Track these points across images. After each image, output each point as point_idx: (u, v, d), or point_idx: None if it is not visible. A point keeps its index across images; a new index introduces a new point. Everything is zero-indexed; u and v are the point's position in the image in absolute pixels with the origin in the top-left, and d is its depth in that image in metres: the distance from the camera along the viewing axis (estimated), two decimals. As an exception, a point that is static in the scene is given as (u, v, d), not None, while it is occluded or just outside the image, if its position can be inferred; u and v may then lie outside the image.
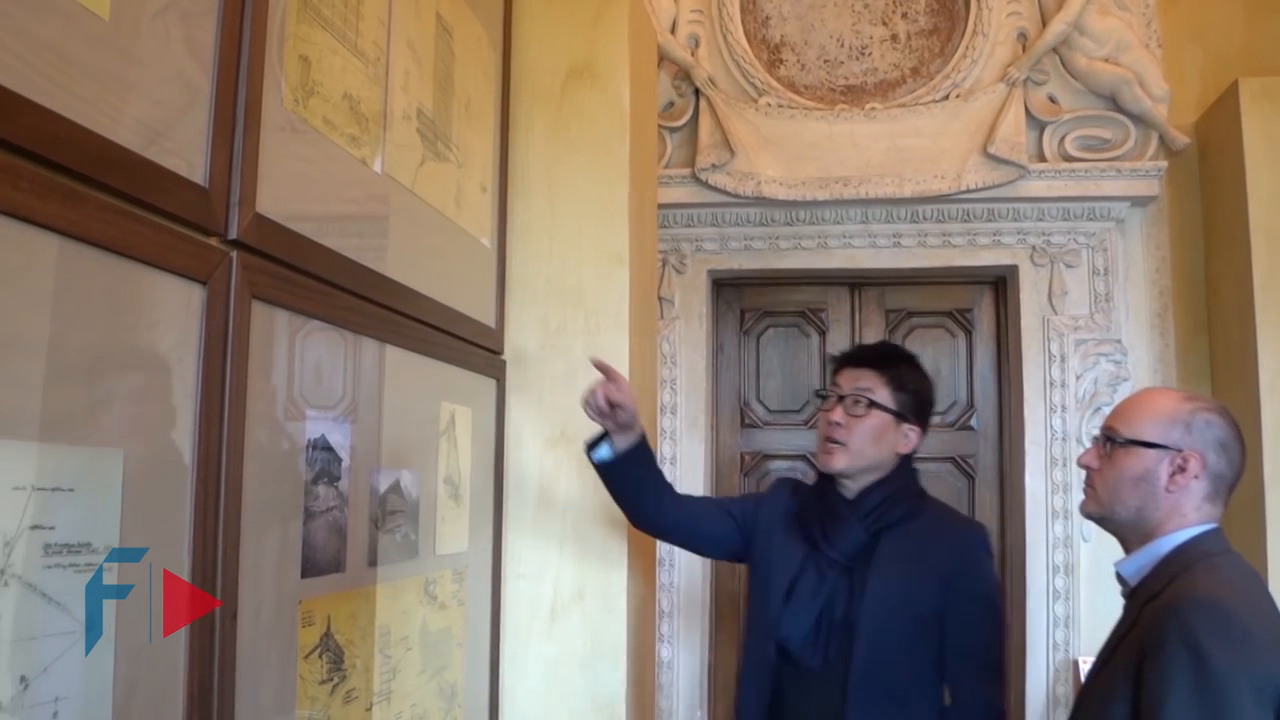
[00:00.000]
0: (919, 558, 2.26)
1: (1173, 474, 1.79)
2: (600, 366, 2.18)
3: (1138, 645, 1.66)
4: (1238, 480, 1.83)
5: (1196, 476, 1.79)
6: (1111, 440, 1.87)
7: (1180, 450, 1.79)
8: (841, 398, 2.33)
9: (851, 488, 2.34)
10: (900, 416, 2.35)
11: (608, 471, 2.31)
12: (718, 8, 4.26)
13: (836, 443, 2.31)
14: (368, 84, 1.87)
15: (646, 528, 2.46)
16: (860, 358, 2.40)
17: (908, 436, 2.38)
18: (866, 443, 2.32)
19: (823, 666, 2.23)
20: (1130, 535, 1.86)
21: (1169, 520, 1.80)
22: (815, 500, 2.40)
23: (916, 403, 2.38)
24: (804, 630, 2.26)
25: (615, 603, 2.54)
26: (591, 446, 2.31)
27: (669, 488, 2.41)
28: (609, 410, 2.18)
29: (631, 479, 2.32)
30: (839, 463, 2.31)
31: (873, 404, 2.32)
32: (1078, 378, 4.13)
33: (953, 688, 2.26)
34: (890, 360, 2.39)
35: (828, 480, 2.39)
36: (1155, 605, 1.69)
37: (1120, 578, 1.88)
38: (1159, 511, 1.81)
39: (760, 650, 2.34)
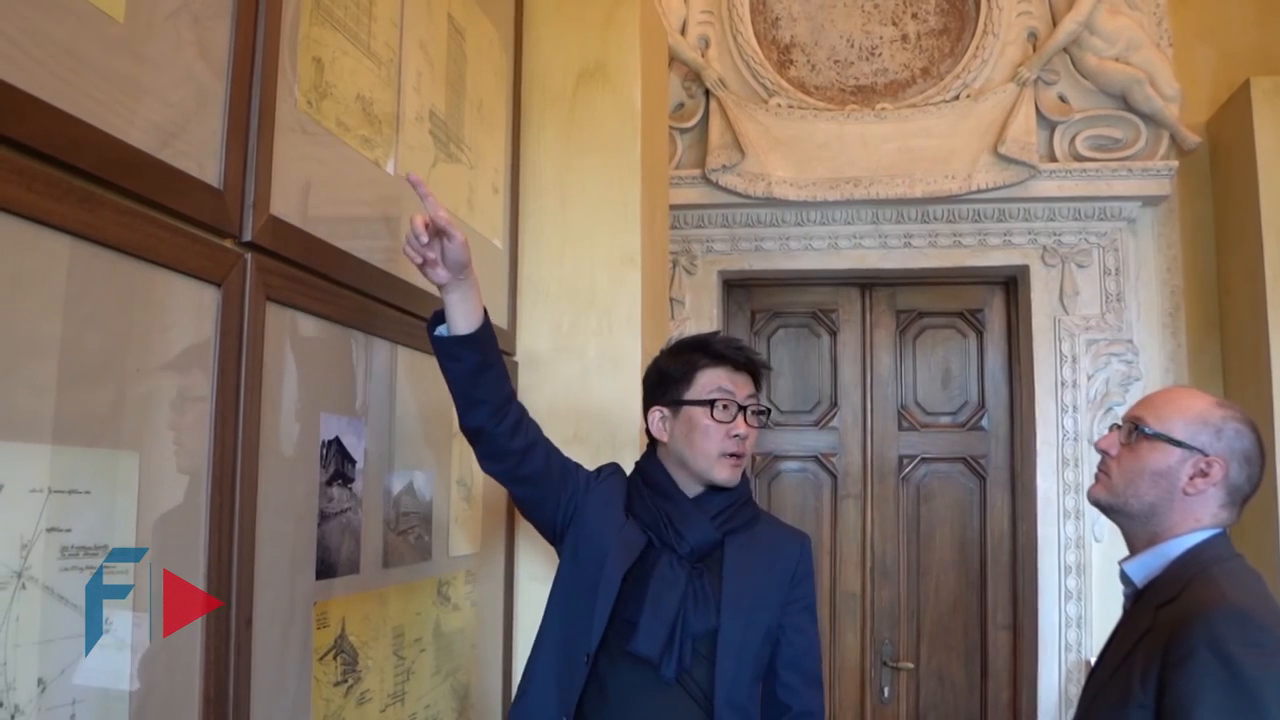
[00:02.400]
0: (764, 568, 2.13)
1: (1193, 476, 1.76)
2: (414, 182, 1.75)
3: (1158, 651, 1.63)
4: (1252, 495, 1.81)
5: (1216, 484, 1.76)
6: (1138, 429, 1.82)
7: (1206, 454, 1.77)
8: (742, 408, 2.12)
9: (694, 487, 2.14)
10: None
11: (449, 349, 1.87)
12: (728, 9, 4.25)
13: (739, 455, 2.12)
14: (380, 85, 1.87)
15: (484, 446, 2.00)
16: (753, 361, 2.18)
17: None
18: (751, 451, 2.20)
19: (675, 677, 1.98)
20: (1138, 531, 1.83)
21: (1181, 522, 1.77)
22: (651, 492, 2.14)
23: None
24: (662, 638, 1.98)
25: (627, 604, 2.53)
26: (433, 324, 1.91)
27: (514, 397, 2.05)
28: (429, 243, 1.77)
29: (470, 367, 1.90)
30: (739, 476, 2.14)
31: (764, 412, 2.18)
32: (1089, 378, 4.12)
33: (788, 701, 2.13)
34: (764, 363, 2.23)
35: (658, 473, 2.16)
36: (1174, 610, 1.67)
37: (1125, 577, 1.85)
38: (1172, 512, 1.78)
39: (578, 651, 2.01)
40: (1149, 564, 1.80)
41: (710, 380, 2.11)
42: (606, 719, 1.99)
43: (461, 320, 1.86)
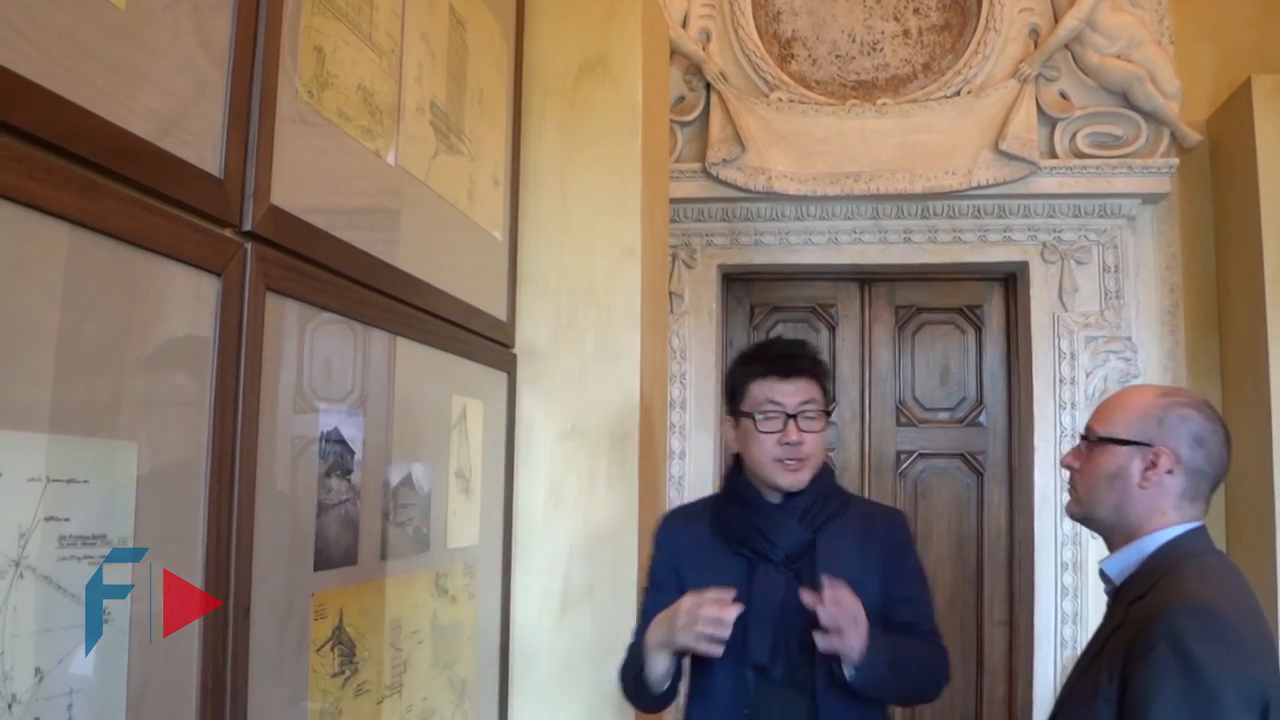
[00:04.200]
0: (857, 554, 2.20)
1: (1145, 470, 1.77)
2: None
3: (1124, 645, 1.64)
4: (1221, 477, 1.80)
5: (1170, 472, 1.76)
6: (1087, 439, 1.86)
7: (1151, 445, 1.77)
8: (791, 416, 2.18)
9: (775, 495, 2.22)
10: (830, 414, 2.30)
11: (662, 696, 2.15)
12: (729, 2, 4.25)
13: (800, 459, 2.18)
14: (381, 76, 1.87)
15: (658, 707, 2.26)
16: (798, 367, 2.23)
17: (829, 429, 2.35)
18: (820, 451, 2.23)
19: (784, 678, 2.11)
20: (1114, 535, 1.84)
21: (1150, 518, 1.78)
22: (740, 509, 2.23)
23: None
24: (768, 643, 2.11)
25: (625, 597, 2.54)
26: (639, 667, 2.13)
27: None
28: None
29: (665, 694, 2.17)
30: (806, 477, 2.20)
31: (824, 414, 2.23)
32: (1087, 374, 4.12)
33: None
34: (820, 364, 2.29)
35: (744, 487, 2.26)
36: (1142, 606, 1.68)
37: (1104, 575, 1.86)
38: (1136, 509, 1.79)
39: (728, 681, 2.15)
40: (1125, 560, 1.81)
41: (760, 391, 2.20)
42: None
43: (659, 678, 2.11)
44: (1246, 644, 1.57)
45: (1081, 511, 1.88)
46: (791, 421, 2.16)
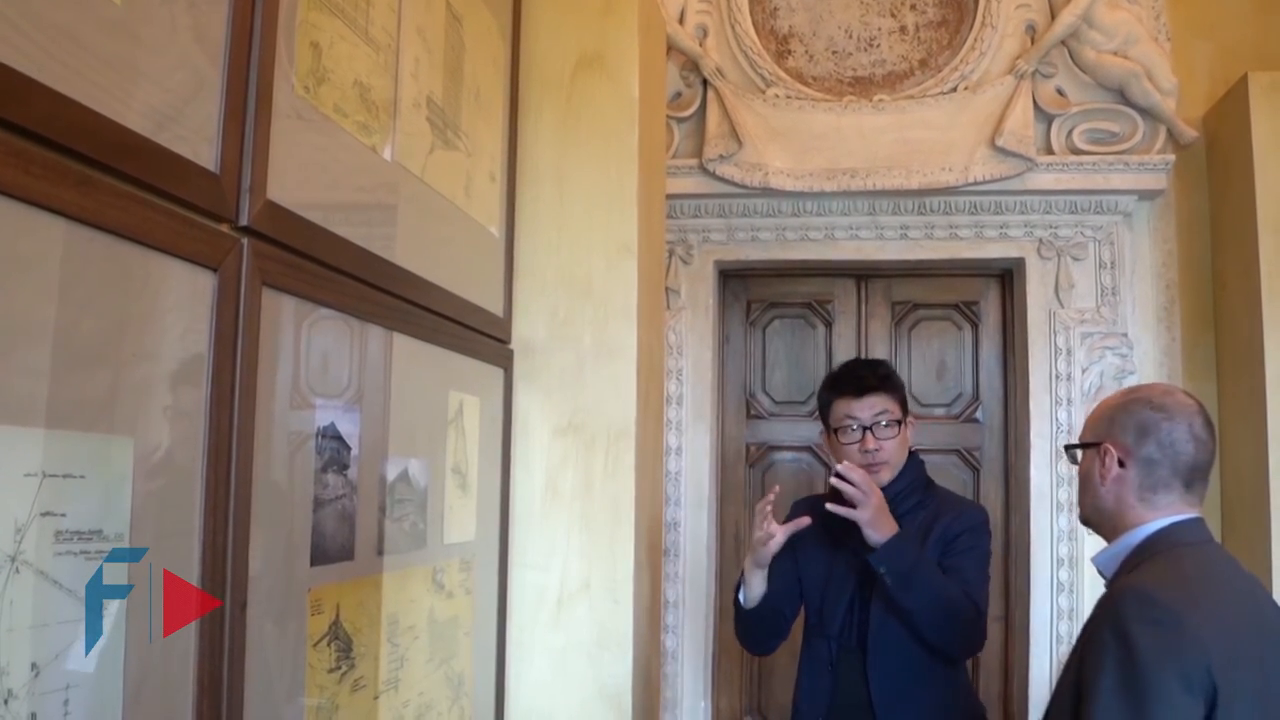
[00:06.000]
0: (924, 535, 2.49)
1: (1101, 468, 1.84)
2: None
3: (1085, 635, 1.72)
4: (1190, 464, 1.81)
5: (1123, 465, 1.81)
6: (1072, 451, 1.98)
7: (1100, 443, 1.84)
8: (867, 428, 2.55)
9: None
10: (905, 420, 2.64)
11: (757, 610, 2.61)
12: (726, -2, 4.25)
13: (878, 464, 2.54)
14: (378, 71, 1.86)
15: (759, 650, 2.80)
16: (868, 385, 2.59)
17: (910, 429, 2.66)
18: (899, 454, 2.59)
19: (856, 644, 2.50)
20: (1104, 532, 1.91)
21: (1122, 513, 1.83)
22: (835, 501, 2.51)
23: (906, 400, 2.69)
24: (841, 614, 2.52)
25: (622, 593, 2.54)
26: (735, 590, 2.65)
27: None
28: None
29: (764, 613, 2.62)
30: (885, 478, 2.54)
31: (897, 423, 2.58)
32: (1083, 371, 4.13)
33: None
34: (891, 378, 2.65)
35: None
36: (1104, 596, 1.75)
37: (1100, 570, 1.91)
38: (1107, 506, 1.85)
39: (816, 646, 2.60)
40: (1111, 554, 1.86)
41: (839, 409, 2.62)
42: (806, 684, 2.61)
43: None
44: (1188, 628, 1.58)
45: (1080, 516, 1.98)
46: (867, 432, 2.55)
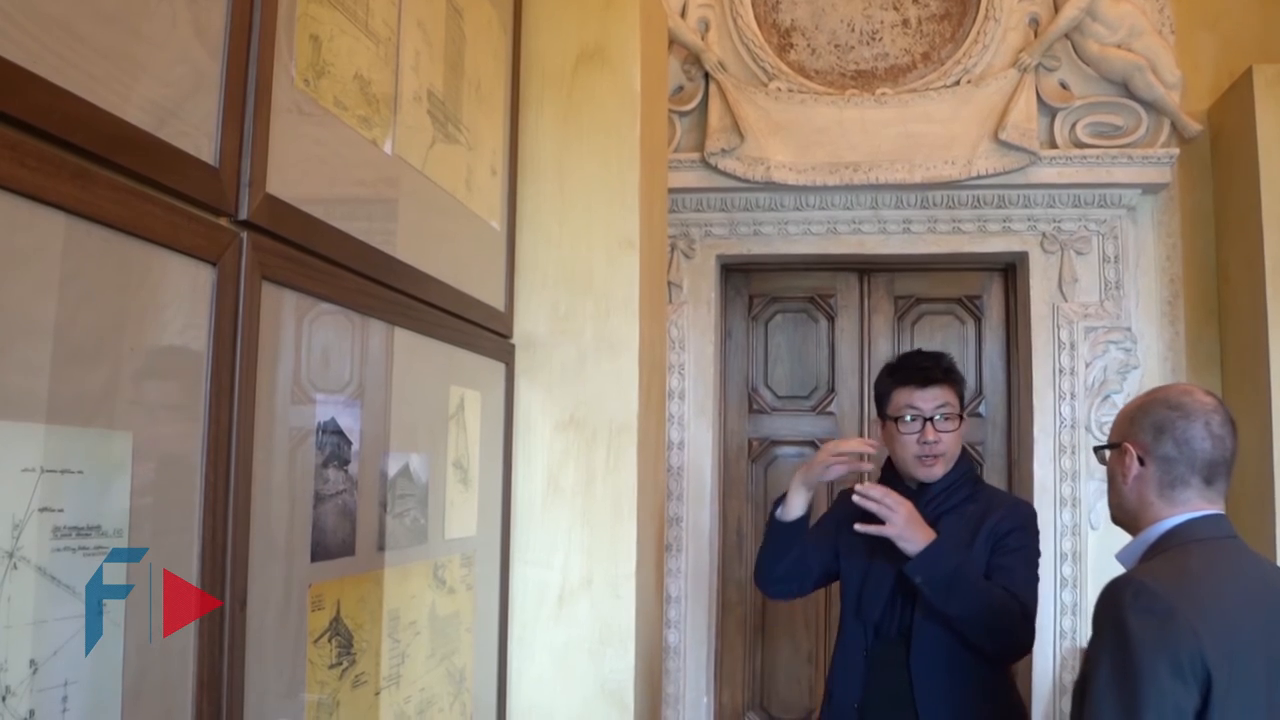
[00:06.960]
0: (969, 533, 2.50)
1: (1123, 468, 1.88)
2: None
3: (1093, 625, 1.78)
4: (1209, 461, 1.84)
5: (1142, 463, 1.85)
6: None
7: (1120, 444, 1.89)
8: (928, 419, 2.56)
9: (914, 484, 2.61)
10: (963, 414, 2.66)
11: (789, 527, 2.64)
12: (728, -8, 4.24)
13: (935, 456, 2.57)
14: (378, 65, 1.86)
15: (771, 581, 2.76)
16: (932, 377, 2.61)
17: (965, 425, 2.69)
18: (955, 448, 2.61)
19: (898, 636, 2.51)
20: (1132, 531, 1.94)
21: (1143, 511, 1.87)
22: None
23: (965, 395, 2.71)
24: (882, 605, 2.53)
25: (623, 588, 2.53)
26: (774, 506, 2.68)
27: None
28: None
29: (795, 536, 2.66)
30: (940, 471, 2.59)
31: (957, 416, 2.60)
32: (1087, 365, 4.12)
33: None
34: (954, 372, 2.66)
35: (890, 478, 2.67)
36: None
37: (1123, 566, 1.93)
38: (1130, 504, 1.89)
39: (853, 633, 2.61)
40: (1132, 550, 1.90)
41: (900, 399, 2.62)
42: (840, 672, 2.62)
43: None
44: (1180, 617, 1.62)
45: (1110, 515, 2.02)
46: (928, 424, 2.56)
